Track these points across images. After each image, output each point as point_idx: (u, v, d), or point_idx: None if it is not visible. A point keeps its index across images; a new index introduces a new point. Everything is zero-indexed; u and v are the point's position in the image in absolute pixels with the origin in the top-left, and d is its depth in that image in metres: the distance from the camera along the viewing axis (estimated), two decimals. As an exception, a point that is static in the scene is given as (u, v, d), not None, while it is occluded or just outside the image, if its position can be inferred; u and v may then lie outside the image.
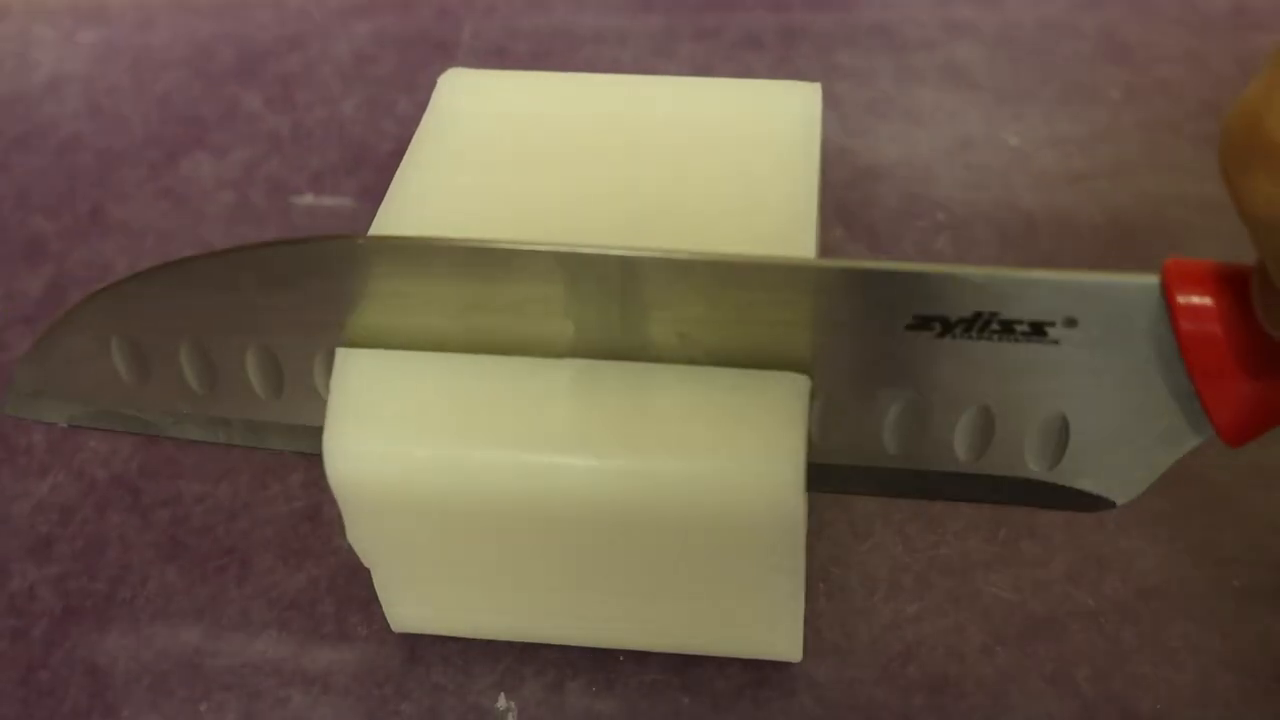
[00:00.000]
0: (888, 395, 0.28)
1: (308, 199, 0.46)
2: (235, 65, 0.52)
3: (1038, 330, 0.27)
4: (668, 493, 0.28)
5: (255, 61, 0.52)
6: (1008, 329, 0.27)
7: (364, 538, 0.31)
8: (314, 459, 0.28)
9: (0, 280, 0.43)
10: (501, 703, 0.32)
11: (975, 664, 0.32)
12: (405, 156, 0.33)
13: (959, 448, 0.29)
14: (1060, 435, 0.28)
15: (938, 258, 0.43)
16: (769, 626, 0.31)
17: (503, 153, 0.33)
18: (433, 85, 0.36)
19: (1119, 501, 0.29)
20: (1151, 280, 0.26)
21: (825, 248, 0.42)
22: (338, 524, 0.35)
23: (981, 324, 0.27)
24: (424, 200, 0.32)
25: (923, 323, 0.27)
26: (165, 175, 0.47)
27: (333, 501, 0.34)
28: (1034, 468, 0.28)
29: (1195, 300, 0.26)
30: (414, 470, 0.29)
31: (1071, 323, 0.26)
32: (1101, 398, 0.27)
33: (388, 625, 0.33)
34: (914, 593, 0.34)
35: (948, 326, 0.27)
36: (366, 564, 0.31)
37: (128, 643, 0.34)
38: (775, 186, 0.32)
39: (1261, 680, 0.32)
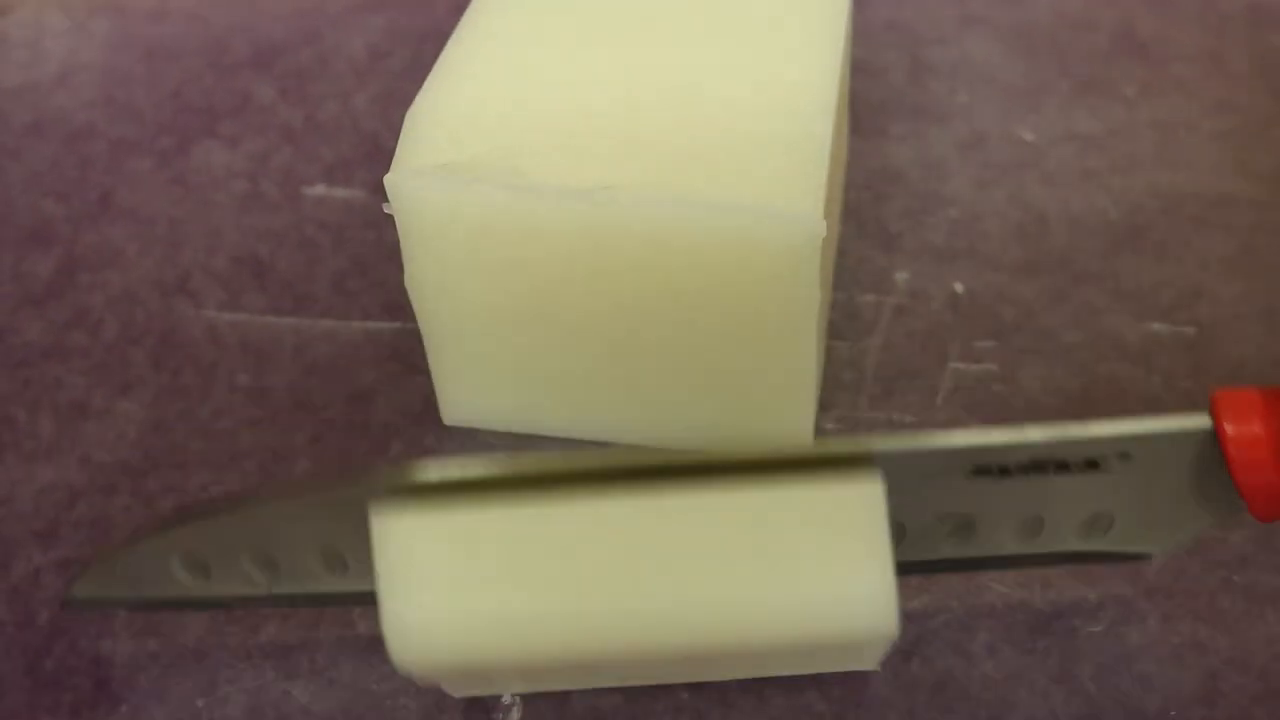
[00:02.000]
0: (946, 520, 0.30)
1: (319, 189, 0.46)
2: (249, 57, 0.52)
3: (1091, 465, 0.29)
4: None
5: (269, 54, 0.52)
6: (1063, 468, 0.29)
7: None
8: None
9: (9, 264, 0.43)
10: (506, 698, 0.32)
11: (980, 661, 0.32)
12: (455, 30, 0.36)
13: (1008, 543, 0.31)
14: (1105, 524, 0.30)
15: (947, 255, 0.43)
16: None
17: (550, 28, 0.36)
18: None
19: (1156, 555, 0.31)
20: (1203, 421, 0.29)
21: (836, 247, 0.42)
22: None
23: (1038, 468, 0.29)
24: (470, 73, 0.35)
25: (982, 471, 0.29)
26: (176, 164, 0.47)
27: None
28: (1078, 546, 0.31)
29: (1244, 430, 0.28)
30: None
31: (1125, 457, 0.29)
32: (1149, 501, 0.30)
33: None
34: (919, 588, 0.33)
35: (1006, 472, 0.29)
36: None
37: (132, 632, 0.34)
38: (799, 60, 0.35)
39: (1271, 681, 0.32)
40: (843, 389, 0.39)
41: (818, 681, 0.32)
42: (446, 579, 0.27)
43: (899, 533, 0.29)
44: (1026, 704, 0.31)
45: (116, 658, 0.33)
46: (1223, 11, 0.53)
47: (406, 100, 0.34)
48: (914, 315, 0.41)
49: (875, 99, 0.49)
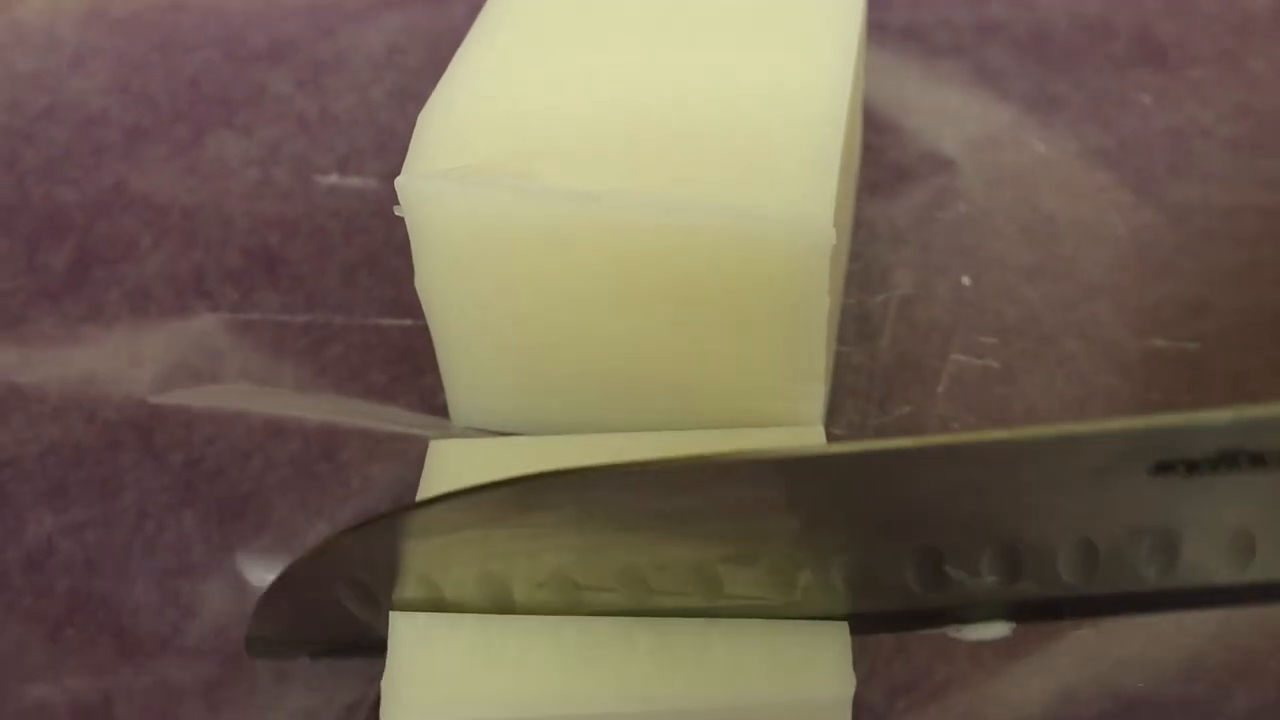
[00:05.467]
0: (1141, 535, 0.28)
1: (332, 179, 0.46)
2: (266, 49, 0.52)
3: None
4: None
5: (286, 46, 0.52)
6: (1259, 462, 0.26)
7: None
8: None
9: (24, 253, 0.44)
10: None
11: (962, 665, 0.32)
12: (469, 32, 0.37)
13: (1220, 568, 0.28)
14: None
15: (958, 252, 0.43)
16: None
17: (562, 31, 0.36)
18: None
19: None
20: None
21: (848, 252, 0.42)
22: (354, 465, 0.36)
23: (1229, 462, 0.26)
24: (484, 75, 0.35)
25: (1165, 467, 0.26)
26: (190, 152, 0.47)
27: (347, 442, 0.37)
28: None
29: None
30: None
31: None
32: None
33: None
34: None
35: (1194, 468, 0.26)
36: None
37: (151, 600, 0.34)
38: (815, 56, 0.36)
39: (1255, 658, 0.32)
40: (852, 394, 0.39)
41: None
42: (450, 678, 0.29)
43: (1090, 555, 0.28)
44: (1004, 696, 0.31)
45: (138, 627, 0.33)
46: (1246, 10, 0.52)
47: (422, 95, 0.34)
48: (919, 306, 0.41)
49: (892, 101, 0.49)
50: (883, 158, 0.46)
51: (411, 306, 0.35)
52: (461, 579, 0.30)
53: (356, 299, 0.42)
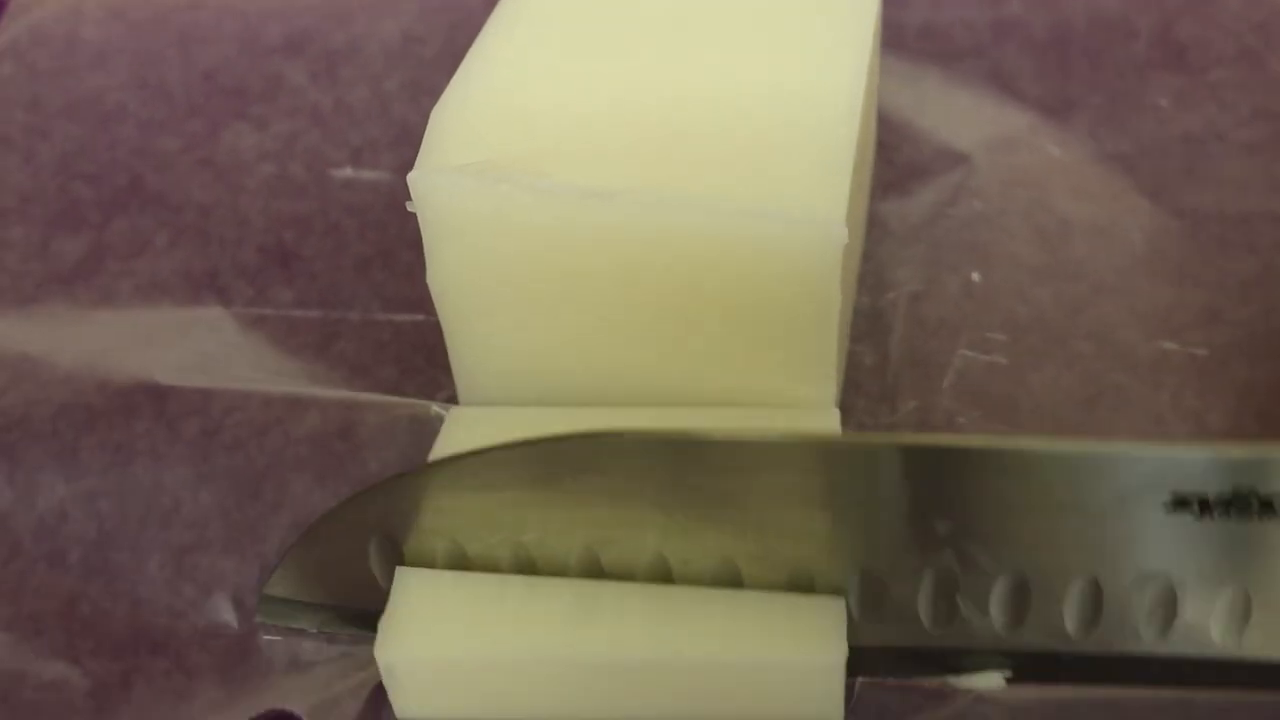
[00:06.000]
0: (1146, 583, 0.28)
1: (347, 172, 0.46)
2: (281, 41, 0.52)
3: None
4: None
5: (301, 38, 0.52)
6: (1267, 507, 0.27)
7: None
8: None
9: (39, 240, 0.44)
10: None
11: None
12: (485, 27, 0.37)
13: (1214, 633, 0.28)
14: None
15: (972, 251, 0.43)
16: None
17: (577, 29, 0.36)
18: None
19: None
20: None
21: (860, 252, 0.42)
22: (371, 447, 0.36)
23: (1240, 506, 0.27)
24: (498, 71, 0.35)
25: (1182, 503, 0.27)
26: (205, 146, 0.47)
27: (365, 421, 0.37)
28: None
29: None
30: None
31: None
32: None
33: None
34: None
35: (1206, 508, 0.27)
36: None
37: (166, 575, 0.34)
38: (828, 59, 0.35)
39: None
40: (864, 394, 0.39)
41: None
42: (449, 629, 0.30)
43: (1095, 600, 0.28)
44: (997, 699, 0.31)
45: (156, 601, 0.34)
46: (1270, 7, 0.52)
47: (437, 88, 0.34)
48: (929, 301, 0.41)
49: (908, 103, 0.49)
50: (897, 158, 0.46)
51: (423, 301, 0.35)
52: (484, 537, 0.30)
53: (368, 293, 0.42)
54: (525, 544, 0.30)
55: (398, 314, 0.41)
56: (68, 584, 0.34)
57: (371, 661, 0.30)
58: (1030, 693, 0.31)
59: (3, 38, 0.52)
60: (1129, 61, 0.50)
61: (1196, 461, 0.27)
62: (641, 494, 0.29)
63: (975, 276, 0.42)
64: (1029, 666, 0.30)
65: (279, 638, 0.33)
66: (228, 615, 0.33)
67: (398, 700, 0.30)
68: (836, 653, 0.29)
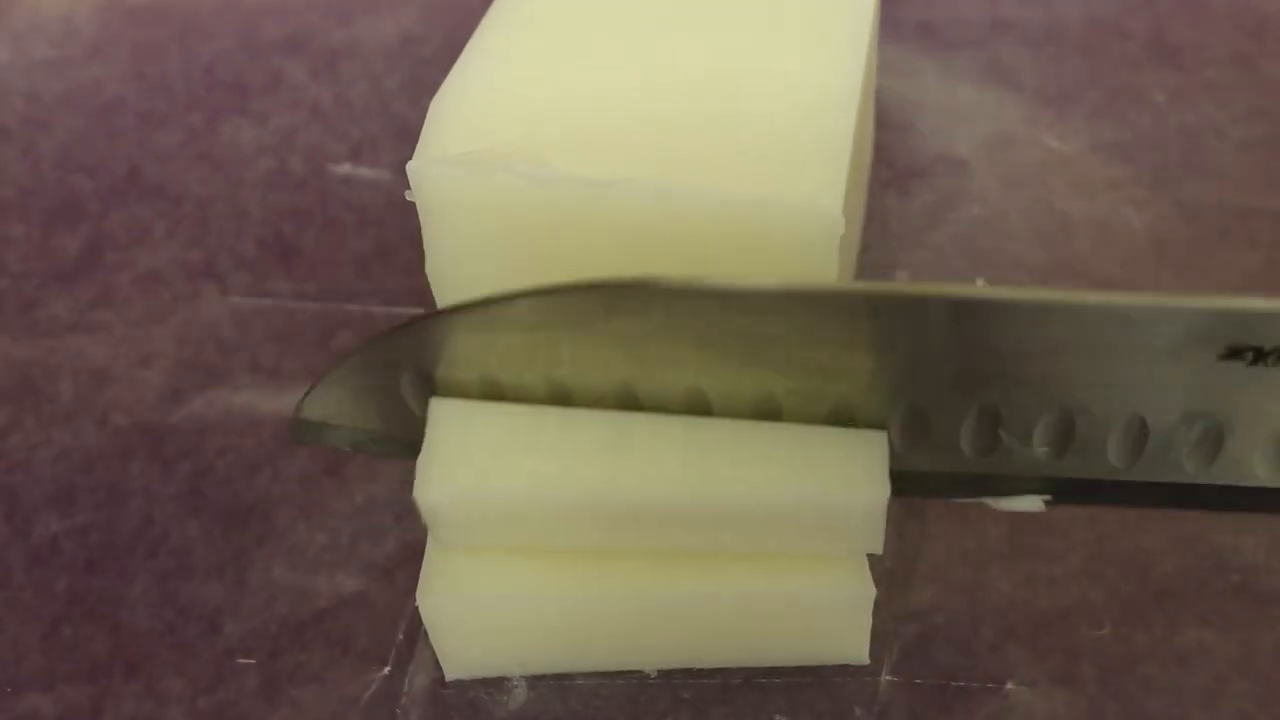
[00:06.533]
0: (1194, 420, 0.28)
1: (345, 168, 0.46)
2: (281, 37, 0.52)
3: None
4: None
5: (302, 34, 0.52)
6: None
7: None
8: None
9: (38, 238, 0.44)
10: (513, 679, 0.32)
11: (984, 659, 0.32)
12: (484, 18, 0.37)
13: (1258, 467, 0.29)
14: None
15: (974, 251, 0.43)
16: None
17: (576, 19, 0.36)
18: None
19: None
20: None
21: (858, 244, 0.42)
22: (358, 481, 0.36)
23: None
24: (497, 62, 0.35)
25: (1236, 352, 0.27)
26: (204, 139, 0.48)
27: (352, 458, 0.36)
28: None
29: None
30: None
31: None
32: None
33: (406, 590, 0.33)
34: (927, 584, 0.34)
35: (1262, 357, 0.27)
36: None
37: (150, 600, 0.34)
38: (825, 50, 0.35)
39: (1276, 688, 0.32)
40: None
41: (820, 677, 0.32)
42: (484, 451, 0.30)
43: (1140, 435, 0.29)
44: (1028, 703, 0.31)
45: (136, 625, 0.34)
46: (1260, 13, 0.52)
47: (436, 85, 0.34)
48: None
49: (906, 99, 0.49)
50: (896, 153, 0.46)
51: (422, 295, 0.35)
52: (518, 372, 0.30)
53: (368, 288, 0.42)
54: (560, 378, 0.30)
55: (397, 307, 0.41)
56: (52, 610, 0.34)
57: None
58: (1061, 700, 0.31)
59: (1, 27, 0.52)
60: (1124, 58, 0.50)
61: (1253, 314, 0.27)
62: (679, 337, 0.29)
63: (980, 282, 0.41)
64: (1069, 492, 0.30)
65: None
66: (205, 640, 0.33)
67: (437, 532, 0.30)
68: (879, 488, 0.29)
